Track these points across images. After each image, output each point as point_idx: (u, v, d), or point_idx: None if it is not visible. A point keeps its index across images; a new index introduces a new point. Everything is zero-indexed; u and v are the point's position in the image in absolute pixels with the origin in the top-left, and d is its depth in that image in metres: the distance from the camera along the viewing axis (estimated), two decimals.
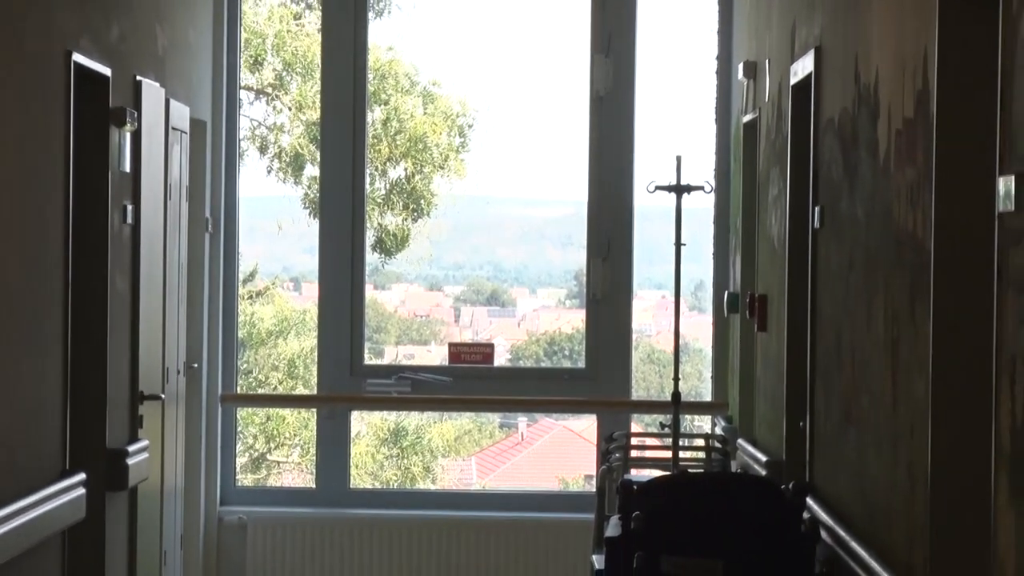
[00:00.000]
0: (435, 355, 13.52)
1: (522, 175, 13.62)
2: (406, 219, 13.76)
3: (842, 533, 7.85)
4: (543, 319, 13.89)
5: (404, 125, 13.83)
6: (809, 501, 8.54)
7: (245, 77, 13.70)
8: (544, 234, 13.57)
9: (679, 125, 13.24)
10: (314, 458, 13.44)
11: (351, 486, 13.42)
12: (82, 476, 9.23)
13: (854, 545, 7.59)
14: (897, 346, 7.17)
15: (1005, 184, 5.45)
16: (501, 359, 13.35)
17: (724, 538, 7.88)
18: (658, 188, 11.50)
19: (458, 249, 13.83)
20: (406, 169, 13.69)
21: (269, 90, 13.76)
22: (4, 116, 8.21)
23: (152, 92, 10.77)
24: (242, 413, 13.56)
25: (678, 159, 11.54)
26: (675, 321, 11.47)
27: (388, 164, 13.64)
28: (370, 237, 13.46)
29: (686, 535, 7.87)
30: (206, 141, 12.75)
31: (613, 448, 11.36)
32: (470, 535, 12.87)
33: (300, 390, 13.72)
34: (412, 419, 14.03)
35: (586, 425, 13.46)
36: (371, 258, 13.49)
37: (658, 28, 13.63)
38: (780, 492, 8.42)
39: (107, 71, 9.78)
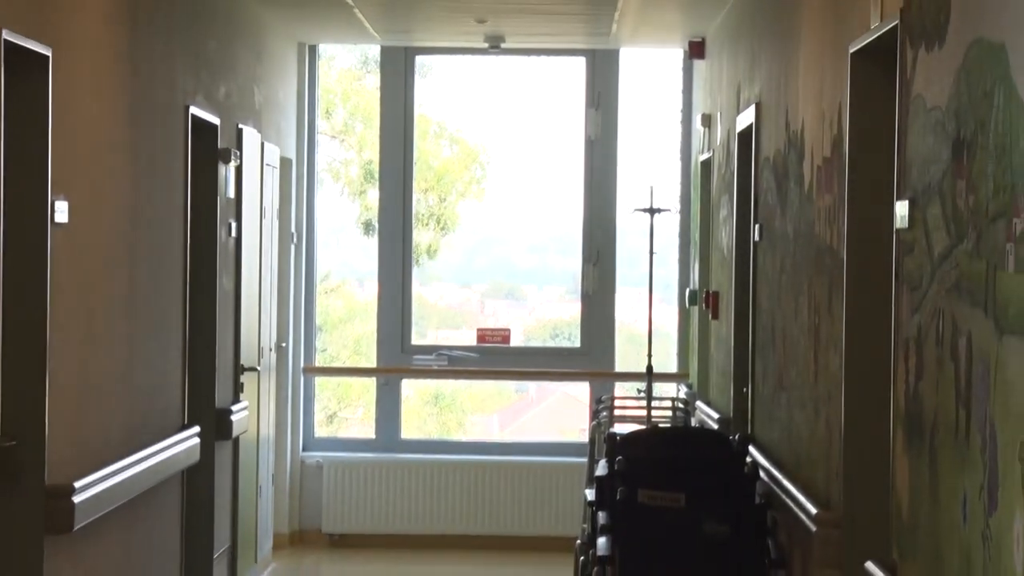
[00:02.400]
0: (465, 337, 13.24)
1: (530, 200, 13.58)
2: (437, 234, 13.63)
3: (776, 473, 7.69)
4: (548, 310, 13.75)
5: (433, 163, 13.67)
6: (751, 448, 8.38)
7: (321, 124, 13.43)
8: (548, 245, 13.45)
9: (652, 162, 13.25)
10: (374, 415, 13.35)
11: (402, 437, 13.27)
12: (197, 429, 9.23)
13: (785, 482, 7.42)
14: (818, 330, 7.07)
15: (900, 207, 5.37)
16: (516, 340, 13.34)
17: (686, 476, 7.62)
18: (636, 210, 11.56)
19: (484, 256, 13.64)
20: (438, 196, 13.65)
21: (339, 134, 13.64)
22: (143, 155, 8.22)
23: (251, 136, 10.76)
24: (319, 381, 13.39)
25: (651, 188, 11.61)
26: (648, 311, 11.41)
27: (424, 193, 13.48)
28: (414, 246, 13.26)
29: (657, 474, 7.60)
30: (291, 173, 12.69)
31: (601, 408, 11.33)
32: (493, 474, 12.87)
33: (363, 363, 13.38)
34: (448, 385, 13.66)
35: (581, 390, 13.28)
36: (416, 262, 13.35)
37: (636, 88, 13.44)
38: (728, 441, 8.32)
39: (216, 120, 9.78)
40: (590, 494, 8.59)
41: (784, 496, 7.33)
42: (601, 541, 7.42)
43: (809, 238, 7.30)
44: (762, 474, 7.88)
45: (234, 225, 10.37)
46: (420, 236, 13.64)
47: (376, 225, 13.40)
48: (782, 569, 7.29)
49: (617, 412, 11.44)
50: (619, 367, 13.23)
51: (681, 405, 11.66)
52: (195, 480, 9.57)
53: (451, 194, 13.81)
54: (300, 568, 12.29)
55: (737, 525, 7.39)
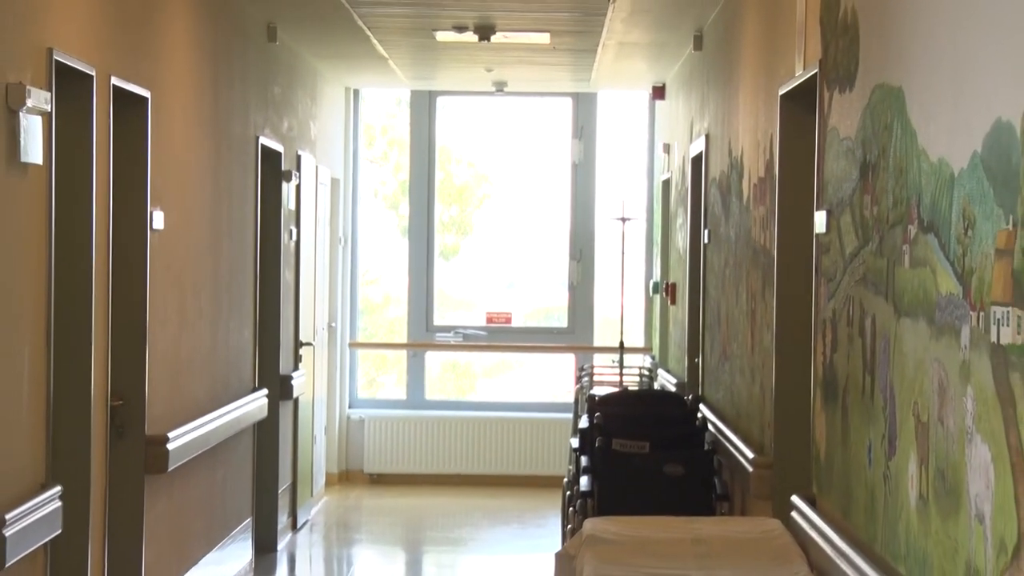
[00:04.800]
0: (477, 318, 13.18)
1: (528, 211, 13.51)
2: (458, 238, 13.59)
3: (721, 425, 7.64)
4: (542, 297, 13.62)
5: (455, 182, 13.59)
6: (701, 406, 8.34)
7: (363, 151, 13.40)
8: (542, 245, 13.39)
9: (623, 181, 13.29)
10: (404, 380, 13.26)
11: (426, 397, 13.19)
12: (265, 391, 9.23)
13: (728, 433, 7.38)
14: (754, 313, 7.01)
15: (819, 216, 5.33)
16: (517, 321, 13.21)
17: (650, 428, 7.50)
18: (612, 218, 11.79)
19: (491, 255, 13.61)
20: (460, 207, 13.64)
21: (377, 159, 13.59)
22: (222, 175, 8.24)
23: (307, 161, 10.78)
24: (360, 353, 13.36)
25: (623, 202, 11.87)
26: (621, 298, 11.65)
27: (448, 205, 13.45)
28: (438, 248, 13.26)
29: (627, 426, 7.49)
30: (340, 190, 12.69)
31: (583, 374, 11.34)
32: (498, 426, 12.86)
33: (396, 340, 13.35)
34: (463, 356, 13.66)
35: (567, 360, 13.20)
36: (437, 260, 13.28)
37: (611, 123, 13.41)
38: (684, 401, 8.25)
39: (280, 148, 9.82)
40: (574, 442, 8.55)
41: (727, 444, 7.33)
42: (583, 480, 7.41)
43: (747, 241, 7.26)
44: (710, 426, 7.86)
45: (294, 231, 10.35)
46: (445, 239, 13.57)
47: (407, 231, 13.36)
48: (726, 501, 7.24)
49: (596, 378, 11.42)
50: (597, 342, 13.17)
51: (646, 372, 11.67)
52: (263, 431, 9.58)
53: (469, 206, 13.74)
54: (346, 500, 12.28)
55: (690, 467, 7.33)
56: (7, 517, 4.72)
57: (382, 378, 13.78)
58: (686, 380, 9.80)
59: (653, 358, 12.38)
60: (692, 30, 9.35)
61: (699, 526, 5.56)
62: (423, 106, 13.23)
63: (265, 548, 9.75)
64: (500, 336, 13.17)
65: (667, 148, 11.69)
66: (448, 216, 13.65)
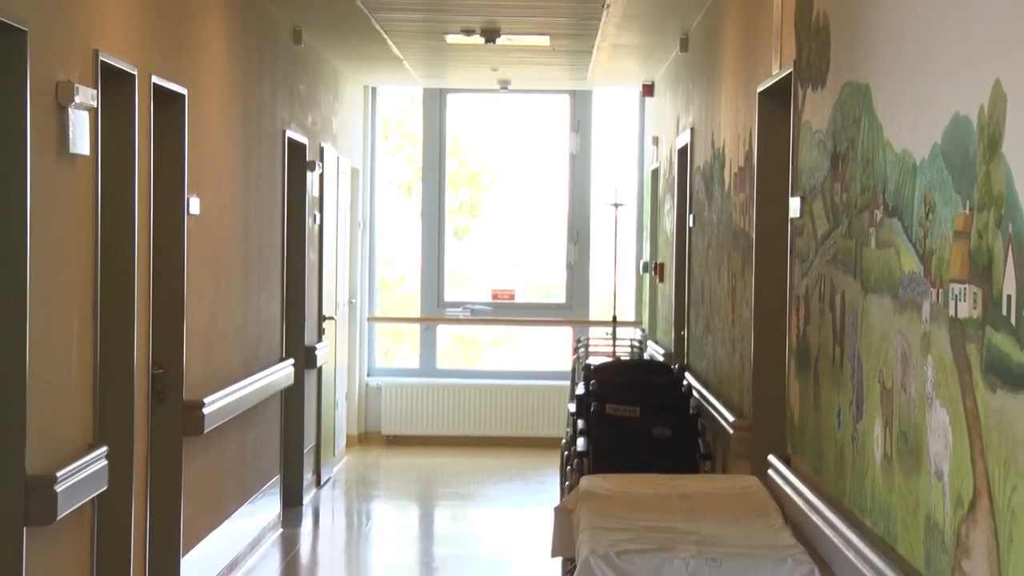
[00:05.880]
0: (484, 294, 13.14)
1: (530, 197, 13.46)
2: (469, 219, 13.54)
3: (704, 392, 7.61)
4: (542, 275, 13.56)
5: (463, 170, 13.53)
6: (686, 374, 8.25)
7: (380, 144, 13.32)
8: (543, 228, 13.33)
9: (616, 170, 13.36)
10: (418, 350, 13.22)
11: (437, 366, 13.17)
12: (291, 361, 9.21)
13: (711, 398, 7.34)
14: (734, 290, 6.98)
15: (794, 202, 5.30)
16: (519, 298, 13.19)
17: (640, 394, 7.44)
18: (606, 204, 11.81)
19: (497, 237, 13.52)
20: (468, 193, 13.59)
21: (393, 151, 13.53)
22: (252, 165, 8.21)
23: (330, 152, 10.74)
24: (378, 326, 13.30)
25: (615, 189, 11.90)
26: (613, 277, 11.63)
27: (458, 191, 13.40)
28: (448, 230, 13.24)
29: (620, 392, 7.41)
30: (359, 179, 12.66)
31: (579, 345, 11.39)
32: (503, 393, 12.81)
33: (410, 314, 13.30)
34: (471, 329, 13.69)
35: (565, 333, 13.17)
36: (450, 240, 13.25)
37: (605, 117, 13.39)
38: (671, 369, 8.18)
39: (305, 141, 9.77)
40: (572, 407, 8.54)
41: (710, 408, 7.31)
42: (580, 441, 7.38)
43: (728, 224, 7.24)
44: (694, 393, 7.84)
45: (318, 216, 10.31)
46: (458, 220, 13.53)
47: (420, 215, 13.32)
48: (709, 460, 7.21)
49: (591, 349, 11.40)
50: (593, 317, 13.14)
51: (637, 344, 11.65)
52: (290, 397, 9.57)
53: (478, 192, 13.70)
54: (365, 459, 12.25)
55: (677, 429, 7.30)
56: (58, 474, 4.73)
57: (397, 349, 13.77)
58: (673, 351, 9.77)
59: (643, 331, 12.36)
60: (678, 33, 9.35)
61: (684, 483, 5.57)
62: (434, 102, 13.20)
63: (292, 502, 9.75)
64: (504, 311, 13.17)
65: (656, 140, 11.67)
66: (458, 202, 13.61)
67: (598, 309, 13.14)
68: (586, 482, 5.46)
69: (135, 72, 5.80)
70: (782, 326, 5.64)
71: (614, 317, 11.39)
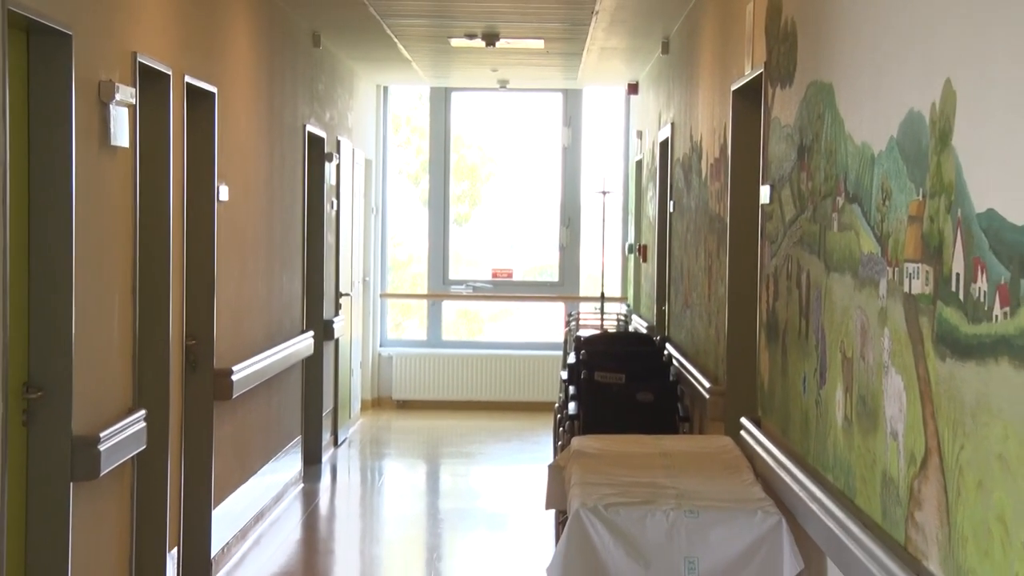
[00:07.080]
0: (485, 273, 13.09)
1: (526, 186, 13.39)
2: (471, 207, 13.51)
3: (683, 360, 7.57)
4: (538, 255, 13.53)
5: (464, 162, 13.46)
6: (667, 345, 8.11)
7: (391, 137, 13.26)
8: (538, 213, 13.28)
9: (604, 161, 13.33)
10: (426, 324, 13.20)
11: (443, 338, 13.14)
12: (311, 333, 9.15)
13: (689, 366, 7.31)
14: (711, 269, 6.94)
15: (764, 190, 5.28)
16: (517, 276, 13.13)
17: (626, 362, 7.39)
18: (595, 192, 11.69)
19: (496, 222, 13.47)
20: (467, 183, 13.51)
21: (403, 144, 13.45)
22: (275, 156, 8.16)
23: (346, 145, 10.68)
24: (390, 302, 13.25)
25: (603, 178, 11.70)
26: (602, 257, 11.54)
27: (459, 181, 13.30)
28: (452, 216, 13.17)
29: (607, 361, 7.36)
30: (372, 169, 12.62)
31: (571, 319, 11.33)
32: (501, 362, 12.79)
33: (418, 291, 13.22)
34: (473, 305, 13.62)
35: (558, 308, 13.04)
36: (452, 226, 13.21)
37: (594, 113, 13.29)
38: (653, 340, 8.13)
39: (324, 135, 9.71)
40: (564, 375, 8.49)
41: (688, 376, 7.29)
42: (571, 405, 7.34)
43: (705, 210, 7.22)
44: (674, 362, 7.80)
45: (335, 202, 10.27)
46: (459, 208, 13.47)
47: (427, 202, 13.26)
48: (687, 422, 7.15)
49: (581, 322, 11.39)
50: (583, 293, 13.07)
51: (623, 317, 11.62)
52: (310, 366, 9.55)
53: (478, 181, 13.65)
54: (378, 422, 12.18)
55: (658, 394, 7.24)
56: (102, 435, 4.72)
57: (407, 322, 13.71)
58: (655, 324, 9.76)
59: (628, 306, 12.35)
60: (660, 37, 9.33)
61: (665, 443, 5.55)
62: (440, 100, 13.13)
63: (312, 460, 9.71)
64: (503, 288, 13.13)
65: (640, 134, 11.65)
66: (461, 189, 13.56)
67: (588, 286, 13.08)
68: (576, 442, 5.44)
69: (170, 72, 5.79)
70: (753, 301, 5.62)
71: (602, 294, 11.33)
